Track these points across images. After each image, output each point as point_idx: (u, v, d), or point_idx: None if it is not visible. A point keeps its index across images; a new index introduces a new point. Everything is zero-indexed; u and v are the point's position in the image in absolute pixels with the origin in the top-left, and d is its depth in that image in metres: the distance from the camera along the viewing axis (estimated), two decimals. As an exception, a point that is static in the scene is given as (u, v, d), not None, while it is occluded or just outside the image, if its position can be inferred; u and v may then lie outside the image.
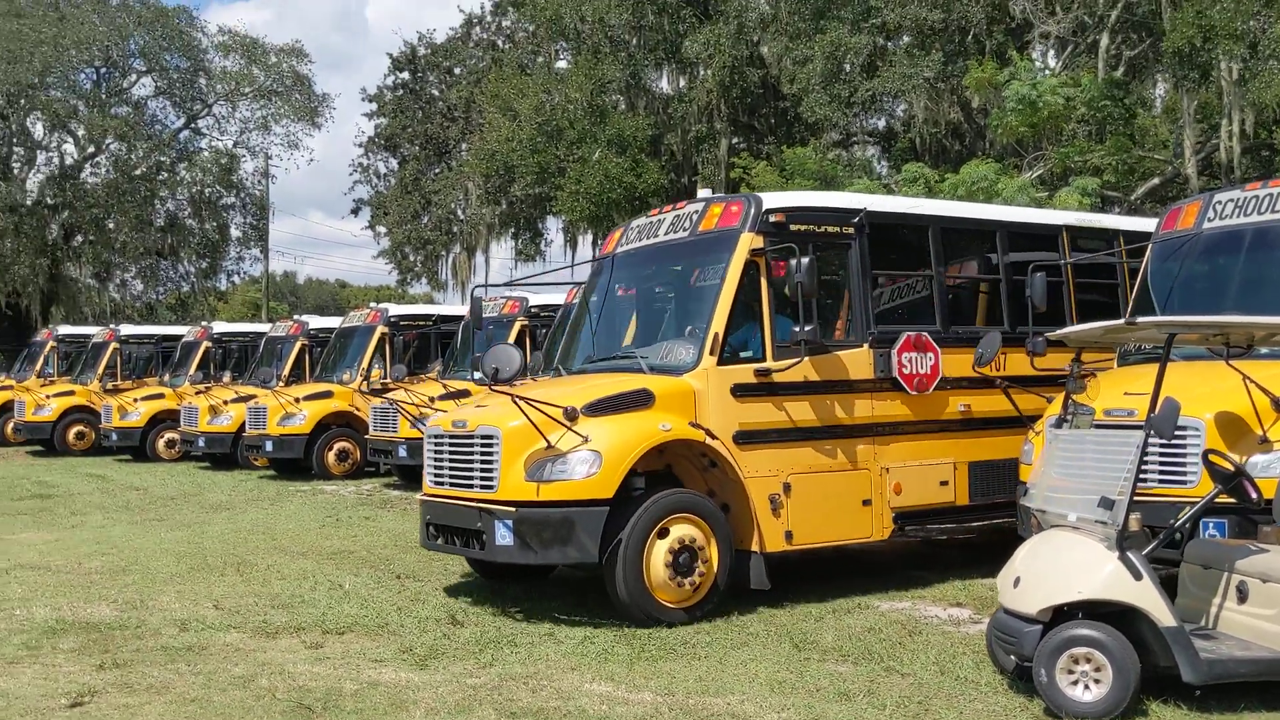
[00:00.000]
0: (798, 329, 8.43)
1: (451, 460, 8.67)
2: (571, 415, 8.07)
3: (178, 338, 25.84)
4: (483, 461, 8.32)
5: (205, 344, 24.27)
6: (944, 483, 9.43)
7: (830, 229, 9.09)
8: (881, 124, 30.75)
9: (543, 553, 8.02)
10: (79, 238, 33.62)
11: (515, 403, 8.11)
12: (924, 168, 21.62)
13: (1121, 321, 6.37)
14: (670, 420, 8.25)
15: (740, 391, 8.50)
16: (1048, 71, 22.35)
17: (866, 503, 8.98)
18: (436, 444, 8.92)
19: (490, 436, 8.28)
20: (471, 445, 8.45)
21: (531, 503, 7.97)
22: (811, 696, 6.25)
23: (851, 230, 9.13)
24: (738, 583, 8.41)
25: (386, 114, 46.39)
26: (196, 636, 7.69)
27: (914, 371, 9.22)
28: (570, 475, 7.91)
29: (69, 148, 34.28)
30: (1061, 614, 5.77)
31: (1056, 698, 5.66)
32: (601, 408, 8.19)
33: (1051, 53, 24.56)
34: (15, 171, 33.03)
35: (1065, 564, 5.90)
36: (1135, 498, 5.77)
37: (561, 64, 36.52)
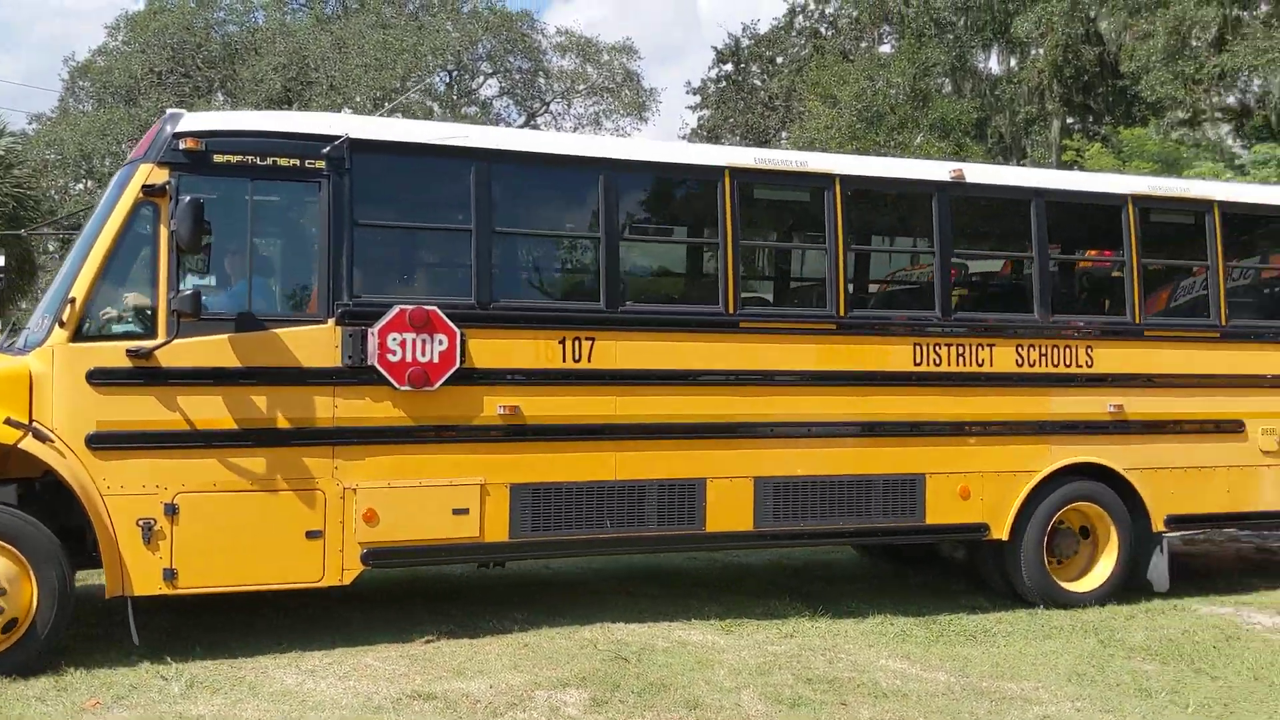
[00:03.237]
0: (172, 296, 6.43)
1: None
2: None
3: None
4: None
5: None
6: (461, 511, 7.10)
7: (285, 162, 6.87)
8: (1232, 100, 28.50)
9: None
10: (433, 230, 36.84)
11: None
12: (1276, 148, 19.95)
13: None
14: None
15: (101, 378, 6.43)
16: None
17: (314, 534, 6.77)
18: None
19: None
20: None
21: None
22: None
23: (321, 164, 6.91)
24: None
25: (709, 106, 47.55)
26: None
27: (408, 359, 6.91)
28: None
29: (425, 146, 37.55)
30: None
31: (1378, 712, 5.40)
32: None
33: None
34: (379, 169, 36.67)
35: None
36: None
37: (885, 49, 36.20)
